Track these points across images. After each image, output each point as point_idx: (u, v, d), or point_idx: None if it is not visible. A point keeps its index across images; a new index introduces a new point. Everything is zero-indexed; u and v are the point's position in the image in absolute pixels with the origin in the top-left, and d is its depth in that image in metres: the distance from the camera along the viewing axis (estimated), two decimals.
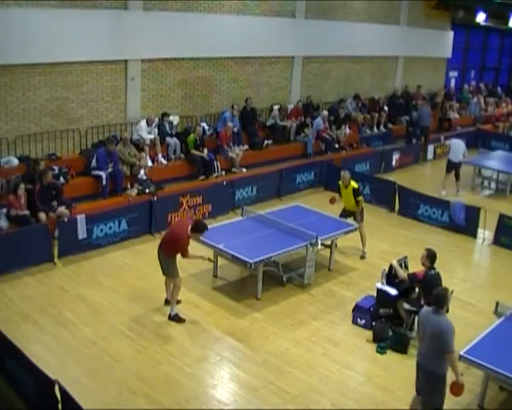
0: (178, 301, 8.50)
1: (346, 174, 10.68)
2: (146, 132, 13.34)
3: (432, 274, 7.73)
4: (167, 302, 8.58)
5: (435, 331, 5.80)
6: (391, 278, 8.28)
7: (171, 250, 8.17)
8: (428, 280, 7.72)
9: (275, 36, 16.22)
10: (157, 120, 13.89)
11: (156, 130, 13.60)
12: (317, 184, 14.64)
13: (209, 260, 8.76)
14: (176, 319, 8.27)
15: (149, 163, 13.05)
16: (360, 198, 10.62)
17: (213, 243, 9.05)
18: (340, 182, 10.75)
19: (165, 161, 13.48)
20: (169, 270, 8.26)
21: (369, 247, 10.96)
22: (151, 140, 13.31)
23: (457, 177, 14.68)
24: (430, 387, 5.94)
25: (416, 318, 8.00)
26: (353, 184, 10.62)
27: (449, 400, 6.16)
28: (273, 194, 13.60)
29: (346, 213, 10.78)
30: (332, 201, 10.86)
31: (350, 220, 10.62)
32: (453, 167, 14.64)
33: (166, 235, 8.44)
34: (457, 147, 14.74)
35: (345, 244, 10.92)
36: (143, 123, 13.41)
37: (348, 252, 10.88)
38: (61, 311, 8.28)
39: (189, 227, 8.14)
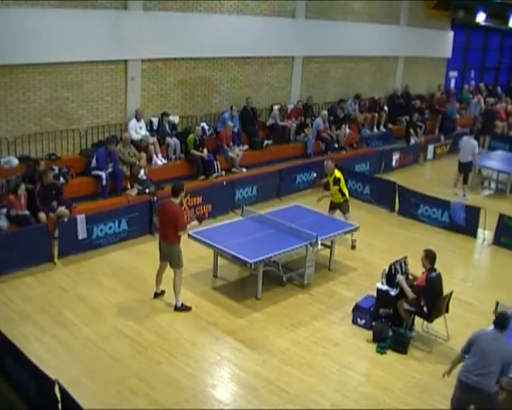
0: (163, 292, 8.79)
1: (328, 163, 11.09)
2: (134, 132, 13.22)
3: (433, 277, 7.74)
4: (156, 296, 8.79)
5: (506, 355, 5.81)
6: (391, 278, 8.28)
7: (174, 233, 8.27)
8: (430, 284, 7.73)
9: (275, 36, 16.21)
10: (157, 119, 13.94)
11: (144, 125, 13.52)
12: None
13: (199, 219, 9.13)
14: (183, 308, 8.45)
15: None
16: (336, 188, 10.86)
17: (213, 243, 9.06)
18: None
19: (160, 162, 13.42)
20: (176, 259, 8.41)
21: (369, 247, 11.00)
22: (143, 139, 13.23)
23: (465, 180, 14.47)
24: (489, 406, 5.92)
25: (416, 318, 8.08)
26: (337, 173, 10.94)
27: (447, 400, 6.18)
28: (273, 194, 13.59)
29: (332, 206, 11.09)
30: (319, 199, 11.09)
31: (337, 214, 10.98)
32: (463, 168, 14.44)
33: (163, 222, 8.46)
34: (465, 146, 14.52)
35: (345, 244, 10.93)
36: (132, 123, 13.31)
37: (348, 252, 10.88)
38: (61, 311, 8.28)
39: (172, 198, 8.44)
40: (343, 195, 10.98)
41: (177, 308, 8.47)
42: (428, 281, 7.73)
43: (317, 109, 18.10)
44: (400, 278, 8.15)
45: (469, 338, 6.11)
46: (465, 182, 14.54)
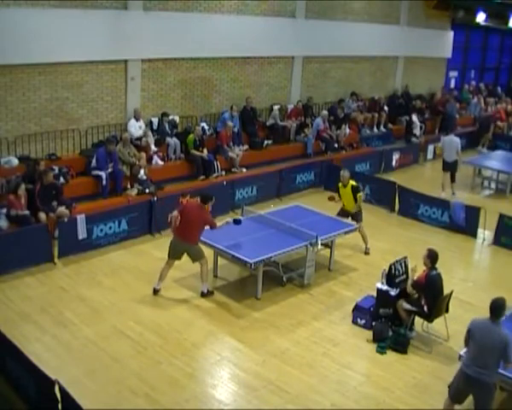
0: (159, 290, 8.85)
1: (345, 173, 10.78)
2: (134, 129, 13.27)
3: (433, 275, 7.74)
4: (155, 292, 8.84)
5: (499, 344, 5.78)
6: (391, 278, 8.29)
7: (197, 235, 8.66)
8: (430, 282, 7.74)
9: (275, 36, 16.21)
10: (157, 119, 13.94)
11: (143, 125, 13.54)
12: (317, 184, 14.64)
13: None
14: (209, 294, 8.88)
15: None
16: (359, 194, 10.72)
17: (213, 243, 9.06)
18: (340, 183, 10.80)
19: (161, 162, 13.44)
20: (198, 254, 8.76)
21: (369, 247, 10.98)
22: (143, 137, 13.25)
23: (452, 179, 14.36)
24: (488, 397, 5.94)
25: (416, 318, 8.08)
26: (352, 182, 10.73)
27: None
28: (273, 194, 13.58)
29: (343, 213, 10.82)
30: (331, 198, 10.97)
31: (347, 221, 10.69)
32: (449, 167, 14.36)
33: (188, 223, 8.59)
34: (449, 145, 14.41)
35: (345, 244, 10.93)
36: (131, 123, 13.33)
37: (348, 252, 10.88)
38: (61, 311, 8.28)
39: (200, 203, 8.75)
40: (357, 200, 10.70)
41: (204, 294, 8.80)
42: (428, 279, 7.74)
43: (317, 109, 18.11)
44: (409, 281, 8.14)
45: (467, 329, 6.10)
46: (453, 180, 14.41)
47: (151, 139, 13.39)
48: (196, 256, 8.81)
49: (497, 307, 5.88)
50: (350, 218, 10.75)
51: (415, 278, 8.00)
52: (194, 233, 8.65)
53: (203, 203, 8.78)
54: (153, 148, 13.37)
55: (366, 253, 10.88)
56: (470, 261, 11.56)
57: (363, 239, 10.84)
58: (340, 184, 10.78)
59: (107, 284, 9.21)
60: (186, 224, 8.60)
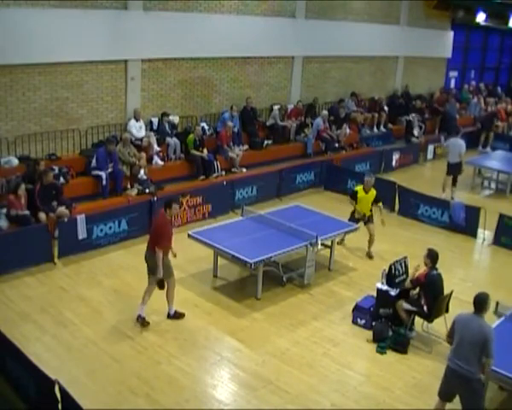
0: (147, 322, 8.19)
1: (371, 179, 10.72)
2: (135, 130, 13.29)
3: (433, 275, 7.75)
4: (139, 319, 8.10)
5: (478, 337, 5.77)
6: (391, 278, 8.29)
7: (152, 243, 7.98)
8: (429, 281, 7.74)
9: (275, 36, 16.22)
10: (157, 119, 13.95)
11: (143, 125, 13.55)
12: (317, 184, 14.64)
13: (160, 283, 8.01)
14: (176, 315, 8.29)
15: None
16: (380, 203, 10.74)
17: (213, 242, 9.07)
18: (360, 187, 10.69)
19: (161, 162, 13.46)
20: (164, 270, 8.11)
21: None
22: (144, 138, 13.26)
23: (454, 182, 14.26)
24: (472, 393, 5.90)
25: (416, 318, 8.08)
26: (373, 190, 10.67)
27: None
28: (273, 194, 13.59)
29: (356, 219, 10.69)
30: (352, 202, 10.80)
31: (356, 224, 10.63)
32: (452, 169, 14.26)
33: (151, 235, 8.26)
34: (453, 147, 14.35)
35: (345, 244, 10.94)
36: (131, 123, 13.36)
37: (348, 252, 10.88)
38: (61, 311, 8.29)
39: (163, 211, 8.07)
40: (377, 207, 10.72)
41: (170, 316, 8.25)
42: (428, 278, 7.74)
43: (318, 109, 18.10)
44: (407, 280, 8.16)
45: (452, 321, 6.15)
46: (454, 184, 14.29)
47: (153, 139, 13.40)
48: (154, 269, 7.89)
49: (479, 301, 5.92)
50: (362, 222, 10.69)
51: (415, 274, 8.00)
52: (151, 239, 8.03)
53: (164, 210, 8.04)
54: (155, 147, 13.37)
55: (370, 256, 10.76)
56: (470, 261, 11.56)
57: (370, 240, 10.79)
58: (361, 189, 10.66)
59: (107, 284, 9.21)
60: (152, 233, 8.23)
